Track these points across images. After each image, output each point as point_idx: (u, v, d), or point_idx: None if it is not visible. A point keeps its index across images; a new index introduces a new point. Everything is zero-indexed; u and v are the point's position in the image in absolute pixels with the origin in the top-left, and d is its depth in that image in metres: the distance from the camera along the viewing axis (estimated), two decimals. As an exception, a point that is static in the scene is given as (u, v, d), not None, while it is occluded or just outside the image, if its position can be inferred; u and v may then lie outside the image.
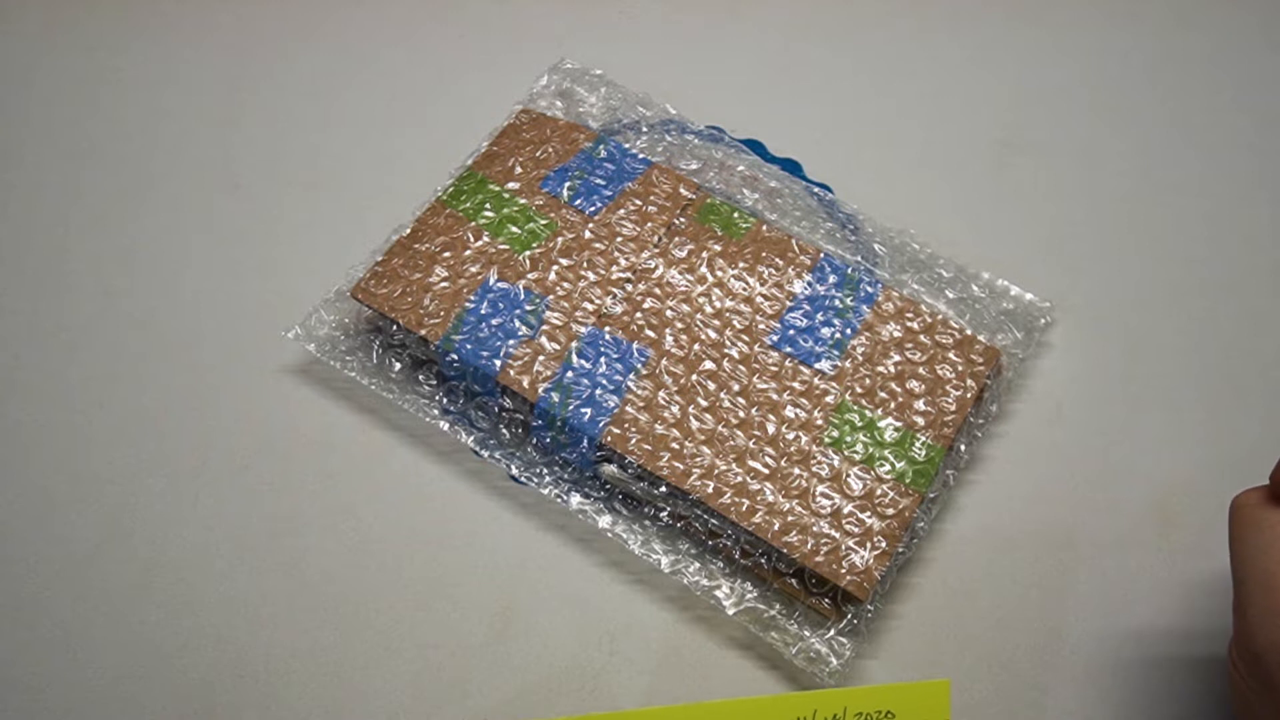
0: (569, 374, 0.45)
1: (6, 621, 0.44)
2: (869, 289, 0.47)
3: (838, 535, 0.42)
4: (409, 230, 0.49)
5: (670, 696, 0.43)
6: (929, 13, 0.61)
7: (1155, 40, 0.60)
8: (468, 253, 0.48)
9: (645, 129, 0.53)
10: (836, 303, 0.47)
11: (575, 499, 0.45)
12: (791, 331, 0.46)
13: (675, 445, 0.44)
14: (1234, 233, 0.53)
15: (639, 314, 0.47)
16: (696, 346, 0.46)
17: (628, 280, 0.48)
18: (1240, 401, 0.49)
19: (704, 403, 0.45)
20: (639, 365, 0.45)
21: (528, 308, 0.46)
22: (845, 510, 0.42)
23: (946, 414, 0.45)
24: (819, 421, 0.44)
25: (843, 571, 0.41)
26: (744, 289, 0.47)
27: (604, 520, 0.44)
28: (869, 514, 0.42)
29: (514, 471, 0.46)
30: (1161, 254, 0.53)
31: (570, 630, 0.44)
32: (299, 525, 0.46)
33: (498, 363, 0.45)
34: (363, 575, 0.45)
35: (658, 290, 0.47)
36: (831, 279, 0.48)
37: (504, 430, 0.46)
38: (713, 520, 0.43)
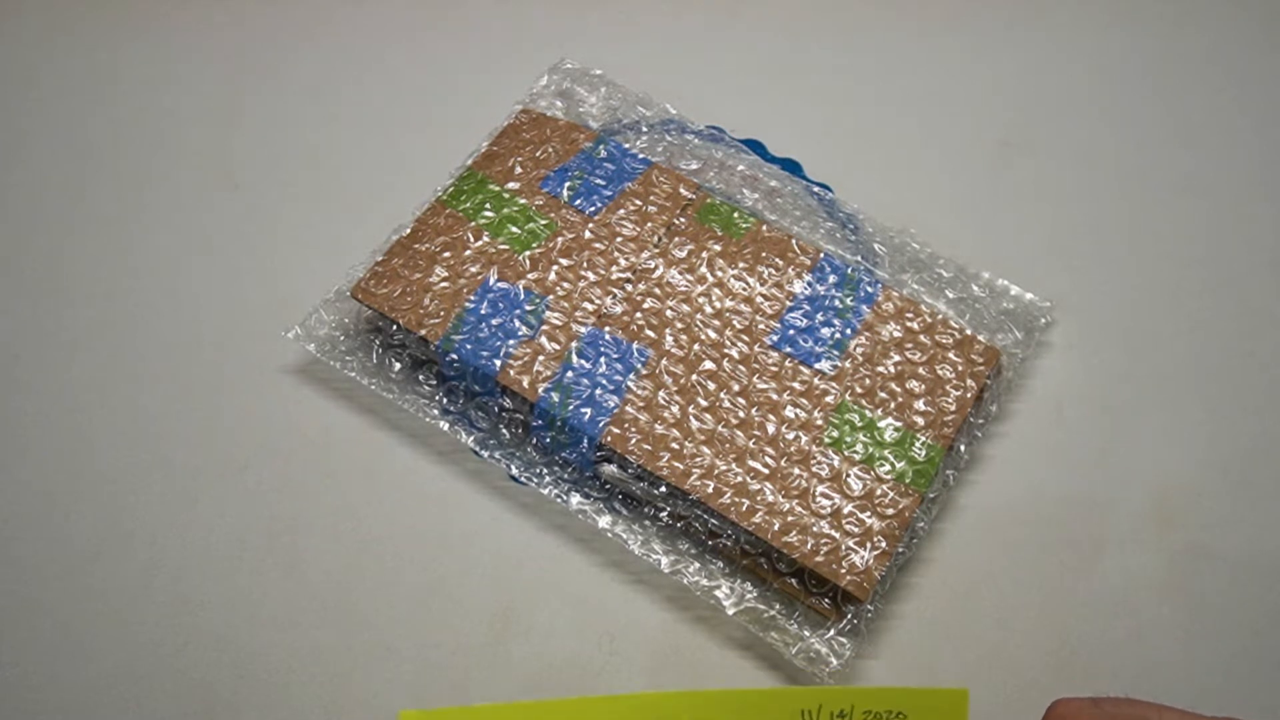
0: (569, 374, 0.45)
1: (6, 621, 0.44)
2: (869, 289, 0.47)
3: (838, 535, 0.42)
4: (409, 230, 0.49)
5: (670, 696, 0.43)
6: (929, 13, 0.61)
7: (1155, 40, 0.60)
8: (468, 253, 0.48)
9: (645, 129, 0.53)
10: (836, 303, 0.47)
11: (575, 499, 0.45)
12: (791, 331, 0.46)
13: (675, 445, 0.44)
14: (1234, 233, 0.53)
15: (639, 314, 0.47)
16: (696, 346, 0.46)
17: (628, 280, 0.47)
18: (1240, 401, 0.49)
19: (704, 403, 0.45)
20: (639, 365, 0.45)
21: (528, 308, 0.46)
22: (845, 510, 0.42)
23: (946, 414, 0.45)
24: (819, 421, 0.44)
25: (843, 571, 0.41)
26: (744, 289, 0.47)
27: (604, 520, 0.44)
28: (869, 514, 0.42)
29: (514, 471, 0.46)
30: (1161, 254, 0.53)
31: (570, 630, 0.44)
32: (299, 525, 0.46)
33: (498, 363, 0.45)
34: (363, 575, 0.45)
35: (658, 290, 0.47)
36: (831, 279, 0.48)
37: (504, 430, 0.46)
38: (713, 520, 0.43)
